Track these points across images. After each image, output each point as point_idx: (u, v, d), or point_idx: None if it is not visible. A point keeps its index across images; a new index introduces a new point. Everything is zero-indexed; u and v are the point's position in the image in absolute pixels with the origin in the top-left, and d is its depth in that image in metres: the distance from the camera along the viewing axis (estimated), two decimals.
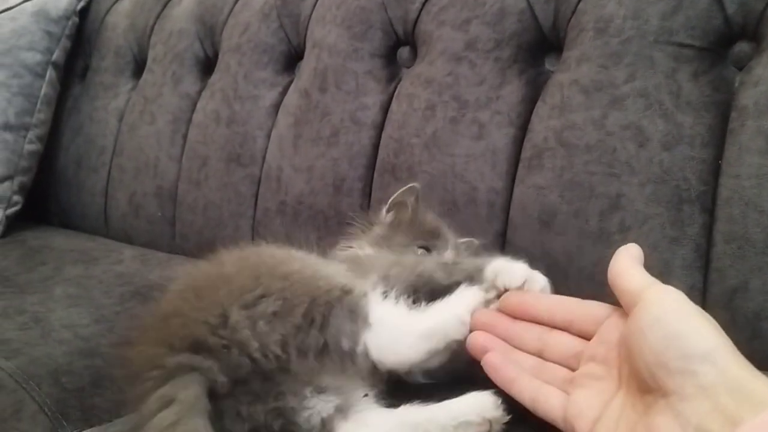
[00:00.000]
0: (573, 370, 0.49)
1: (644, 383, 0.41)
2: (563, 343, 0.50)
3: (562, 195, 0.73)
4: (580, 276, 0.71)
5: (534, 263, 0.74)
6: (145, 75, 1.25)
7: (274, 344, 0.48)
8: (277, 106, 1.03)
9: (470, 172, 0.80)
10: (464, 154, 0.81)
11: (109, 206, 1.25)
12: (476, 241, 0.74)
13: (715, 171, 0.66)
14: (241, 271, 0.54)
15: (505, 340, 0.52)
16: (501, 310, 0.53)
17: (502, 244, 0.78)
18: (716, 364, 0.37)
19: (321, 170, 0.94)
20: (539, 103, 0.78)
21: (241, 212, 1.03)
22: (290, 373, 0.48)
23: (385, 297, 0.52)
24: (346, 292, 0.51)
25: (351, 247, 0.68)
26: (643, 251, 0.67)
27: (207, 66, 1.16)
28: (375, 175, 0.90)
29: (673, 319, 0.40)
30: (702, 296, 0.65)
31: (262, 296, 0.50)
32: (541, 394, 0.47)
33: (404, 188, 0.72)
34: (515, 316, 0.53)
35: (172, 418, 0.42)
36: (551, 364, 0.50)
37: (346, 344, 0.49)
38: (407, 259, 0.61)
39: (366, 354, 0.49)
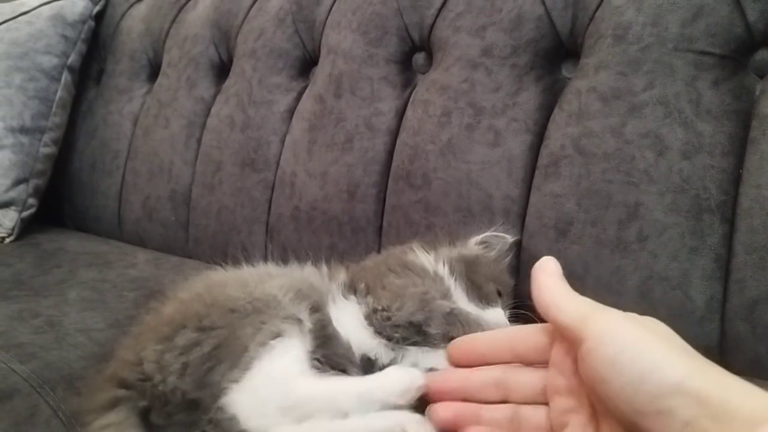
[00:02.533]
0: (546, 404, 0.45)
1: (628, 427, 0.37)
2: (524, 382, 0.46)
3: (579, 203, 0.72)
4: (597, 285, 0.70)
5: None
6: (159, 79, 1.26)
7: (172, 374, 0.47)
8: (291, 112, 1.03)
9: (486, 179, 0.80)
10: (480, 161, 0.81)
11: (123, 210, 1.26)
12: (509, 237, 0.72)
13: (735, 180, 0.65)
14: (170, 305, 0.54)
15: (465, 398, 0.47)
16: (452, 362, 0.50)
17: (518, 252, 0.77)
18: (690, 393, 0.34)
19: (335, 176, 0.94)
20: (556, 111, 0.77)
21: (255, 217, 1.03)
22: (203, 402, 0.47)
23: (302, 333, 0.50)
24: (258, 330, 0.49)
25: (428, 253, 0.66)
26: (662, 261, 0.67)
27: (222, 71, 1.17)
28: (389, 181, 0.89)
29: (630, 359, 0.36)
30: (722, 307, 0.64)
31: (182, 326, 0.50)
32: None
33: (501, 233, 0.71)
34: (465, 365, 0.49)
35: None
36: (527, 408, 0.45)
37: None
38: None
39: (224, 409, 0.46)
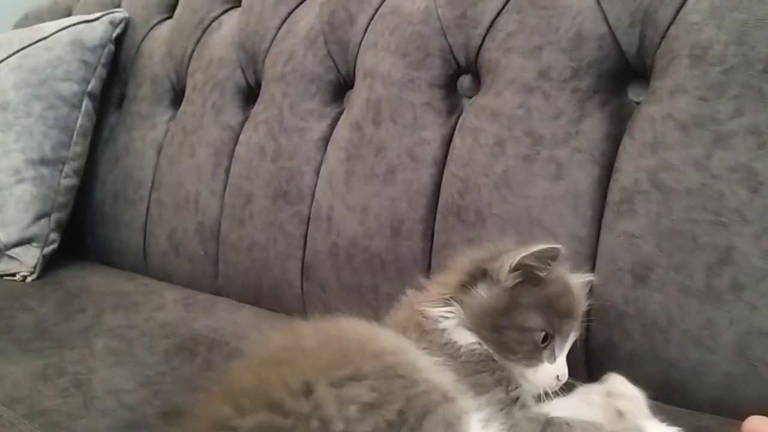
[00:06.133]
0: None
1: None
2: None
3: (659, 245, 0.65)
4: (684, 339, 0.63)
5: (627, 322, 0.67)
6: (183, 105, 1.20)
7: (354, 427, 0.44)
8: (326, 140, 0.96)
9: (548, 216, 0.73)
10: (541, 196, 0.73)
11: (149, 243, 1.20)
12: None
13: None
14: (324, 345, 0.50)
15: None
16: None
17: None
18: None
19: (376, 210, 0.87)
20: (626, 139, 0.70)
21: (290, 253, 0.97)
22: None
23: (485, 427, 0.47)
24: (448, 399, 0.46)
25: (439, 313, 0.57)
26: (763, 314, 0.59)
27: (249, 96, 1.10)
28: (438, 216, 0.82)
29: None
30: None
31: (352, 378, 0.46)
32: None
33: (543, 247, 0.54)
34: None
35: None
36: None
37: None
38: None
39: None
